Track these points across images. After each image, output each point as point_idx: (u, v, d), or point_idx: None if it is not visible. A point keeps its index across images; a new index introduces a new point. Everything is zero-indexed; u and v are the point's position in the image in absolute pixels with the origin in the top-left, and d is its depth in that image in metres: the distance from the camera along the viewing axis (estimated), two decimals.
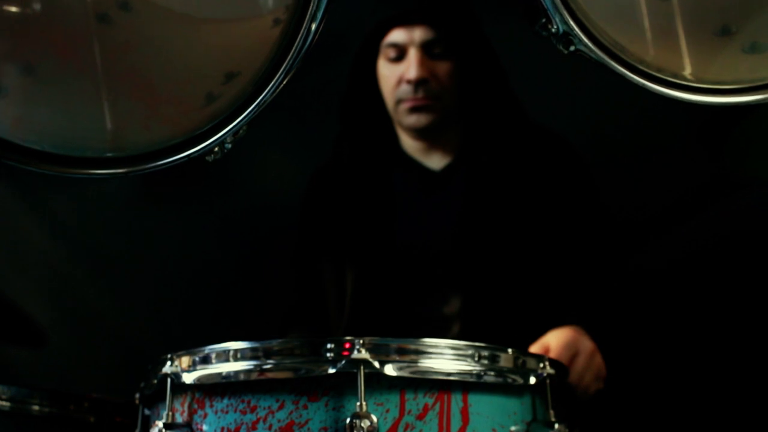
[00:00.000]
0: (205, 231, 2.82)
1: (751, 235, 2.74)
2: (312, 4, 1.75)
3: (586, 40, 1.75)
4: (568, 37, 1.74)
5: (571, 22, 1.73)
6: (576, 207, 2.31)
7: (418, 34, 2.24)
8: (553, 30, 1.74)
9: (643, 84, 1.76)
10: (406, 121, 2.24)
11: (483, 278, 2.24)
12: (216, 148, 1.77)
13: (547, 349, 1.99)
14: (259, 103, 1.74)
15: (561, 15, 1.72)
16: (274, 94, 1.75)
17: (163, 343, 2.93)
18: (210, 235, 2.88)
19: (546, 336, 2.03)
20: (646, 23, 1.85)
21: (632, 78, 1.76)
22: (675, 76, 1.78)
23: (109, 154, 1.83)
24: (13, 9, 1.90)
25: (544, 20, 1.78)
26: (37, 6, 1.94)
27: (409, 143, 2.32)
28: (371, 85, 2.30)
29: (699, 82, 1.79)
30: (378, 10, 2.31)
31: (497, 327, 2.21)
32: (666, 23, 1.87)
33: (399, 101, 2.23)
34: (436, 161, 2.33)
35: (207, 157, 1.75)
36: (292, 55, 1.77)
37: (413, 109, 2.24)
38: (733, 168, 2.70)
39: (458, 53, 2.26)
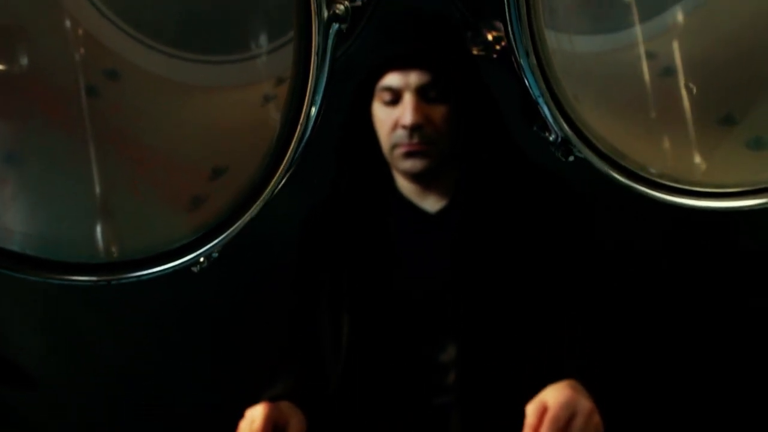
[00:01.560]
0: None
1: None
2: (310, 84, 1.65)
3: (586, 149, 1.68)
4: (567, 145, 1.67)
5: (569, 132, 1.67)
6: (575, 251, 2.26)
7: (414, 78, 2.16)
8: (551, 138, 1.68)
9: (645, 192, 1.72)
10: (401, 165, 2.18)
11: (479, 325, 2.20)
12: (202, 259, 1.70)
13: (545, 408, 1.97)
14: (248, 216, 1.66)
15: (559, 124, 1.65)
16: (269, 199, 1.67)
17: (156, 375, 2.95)
18: (205, 272, 2.83)
19: (543, 393, 2.01)
20: (649, 124, 1.79)
21: (633, 187, 1.72)
22: (677, 181, 1.73)
23: (98, 258, 1.76)
24: None
25: (542, 123, 1.71)
26: (21, 84, 1.87)
27: (405, 185, 2.27)
28: (366, 127, 2.23)
29: (701, 186, 1.74)
30: (374, 52, 2.22)
31: (494, 376, 2.18)
32: (669, 116, 1.81)
33: (394, 146, 2.17)
34: (431, 203, 2.28)
35: (193, 268, 1.70)
36: (291, 154, 1.68)
37: (408, 154, 2.18)
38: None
39: (455, 96, 2.17)
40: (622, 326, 2.37)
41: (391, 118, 2.22)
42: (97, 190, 1.82)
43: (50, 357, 2.84)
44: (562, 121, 1.63)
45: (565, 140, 1.65)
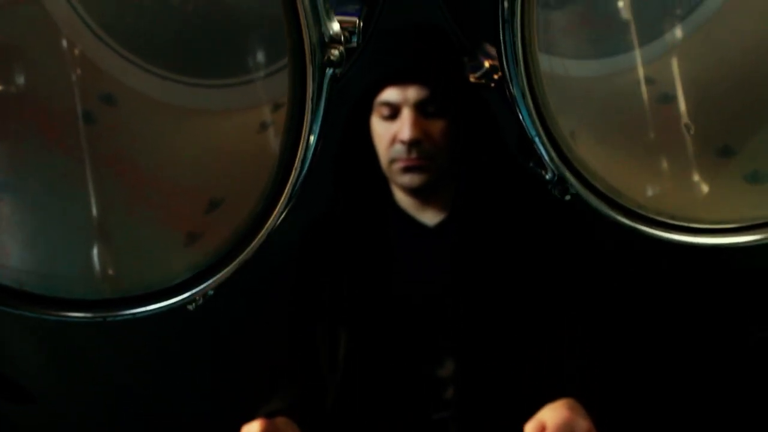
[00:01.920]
0: None
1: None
2: (307, 111, 1.64)
3: (583, 189, 1.67)
4: (564, 184, 1.67)
5: (566, 171, 1.66)
6: (574, 264, 2.26)
7: (412, 93, 2.14)
8: (548, 177, 1.67)
9: (642, 230, 1.70)
10: (399, 180, 2.18)
11: (478, 339, 2.20)
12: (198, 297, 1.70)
13: (543, 429, 1.98)
14: (243, 257, 1.66)
15: (556, 164, 1.65)
16: (264, 240, 1.67)
17: (154, 388, 2.96)
18: None
19: (541, 413, 2.01)
20: (646, 158, 1.78)
21: (632, 226, 1.71)
22: (674, 217, 1.72)
23: (94, 291, 1.76)
24: None
25: (538, 160, 1.70)
26: (15, 107, 1.86)
27: (404, 199, 2.26)
28: (365, 141, 2.23)
29: (699, 222, 1.73)
30: (372, 67, 2.20)
31: (492, 391, 2.19)
32: (667, 149, 1.80)
33: (393, 160, 2.16)
34: (430, 217, 2.28)
35: (188, 306, 1.70)
36: (289, 190, 1.66)
37: (407, 169, 2.17)
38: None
39: (453, 111, 2.16)
40: (621, 339, 2.36)
41: (390, 133, 2.21)
42: (94, 214, 1.81)
43: (49, 367, 2.84)
44: (558, 161, 1.61)
45: (562, 179, 1.63)
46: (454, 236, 2.33)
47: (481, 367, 2.25)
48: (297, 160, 1.62)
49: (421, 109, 2.20)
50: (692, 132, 1.72)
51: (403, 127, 2.19)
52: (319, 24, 1.49)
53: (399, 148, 2.20)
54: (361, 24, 1.57)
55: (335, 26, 1.53)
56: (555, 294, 2.26)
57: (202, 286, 1.67)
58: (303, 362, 2.36)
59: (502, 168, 2.30)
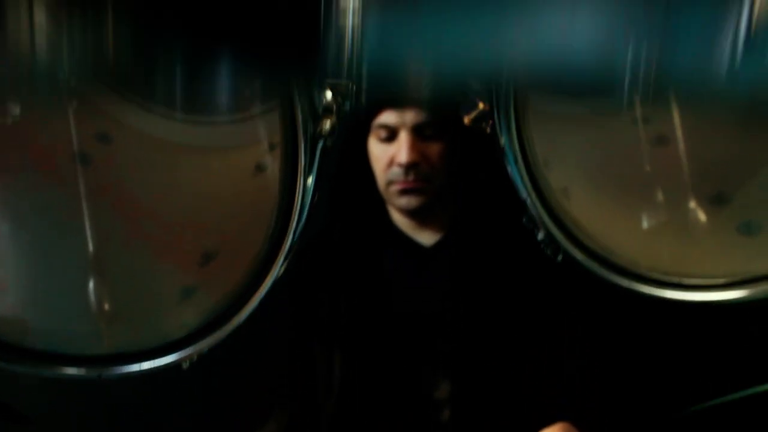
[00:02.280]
0: None
1: None
2: (303, 154, 1.63)
3: (575, 250, 1.68)
4: (556, 244, 1.68)
5: (559, 234, 1.67)
6: (570, 284, 2.27)
7: (410, 116, 2.13)
8: (540, 237, 1.69)
9: (635, 289, 1.72)
10: (396, 202, 2.18)
11: (473, 360, 2.23)
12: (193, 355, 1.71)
13: None
14: (236, 320, 1.67)
15: (548, 227, 1.65)
16: (259, 304, 1.67)
17: (149, 407, 2.97)
18: None
19: None
20: (639, 211, 1.78)
21: (621, 282, 1.71)
22: (666, 273, 1.73)
23: (90, 346, 1.77)
24: None
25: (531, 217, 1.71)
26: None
27: (400, 219, 2.26)
28: (362, 163, 2.23)
29: (691, 276, 1.74)
30: (370, 90, 2.19)
31: (488, 413, 2.22)
32: (661, 198, 1.80)
33: (390, 183, 2.16)
34: (427, 237, 2.28)
35: (183, 364, 1.71)
36: (283, 254, 1.66)
37: (403, 192, 2.17)
38: None
39: (450, 134, 2.16)
40: (617, 366, 2.37)
41: (387, 155, 2.20)
42: (90, 252, 1.82)
43: (44, 388, 2.85)
44: (551, 223, 1.62)
45: (554, 240, 1.63)
46: (450, 256, 2.34)
47: (477, 388, 2.27)
48: (293, 216, 1.61)
49: (418, 132, 2.19)
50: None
51: (401, 149, 2.18)
52: (311, 98, 1.46)
53: (396, 171, 2.20)
54: (354, 87, 1.54)
55: (327, 95, 1.51)
56: (551, 315, 2.27)
57: (196, 345, 1.67)
58: (300, 384, 2.37)
59: (498, 189, 2.30)
